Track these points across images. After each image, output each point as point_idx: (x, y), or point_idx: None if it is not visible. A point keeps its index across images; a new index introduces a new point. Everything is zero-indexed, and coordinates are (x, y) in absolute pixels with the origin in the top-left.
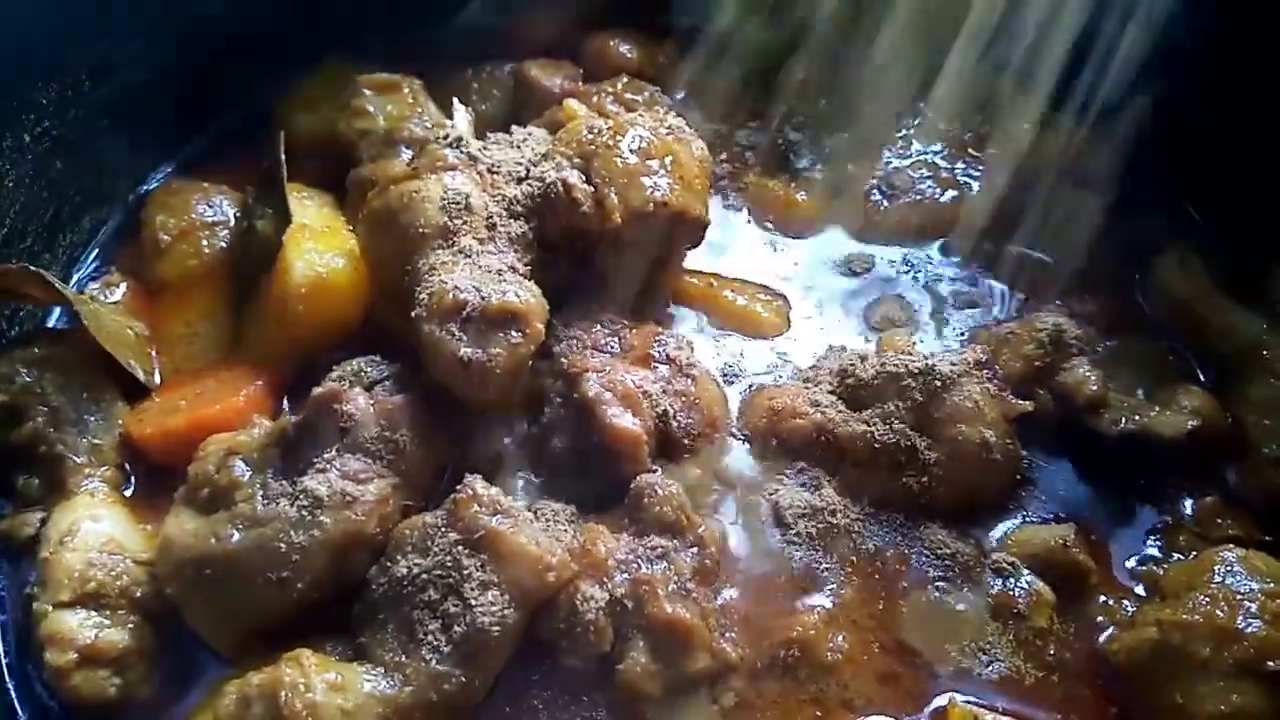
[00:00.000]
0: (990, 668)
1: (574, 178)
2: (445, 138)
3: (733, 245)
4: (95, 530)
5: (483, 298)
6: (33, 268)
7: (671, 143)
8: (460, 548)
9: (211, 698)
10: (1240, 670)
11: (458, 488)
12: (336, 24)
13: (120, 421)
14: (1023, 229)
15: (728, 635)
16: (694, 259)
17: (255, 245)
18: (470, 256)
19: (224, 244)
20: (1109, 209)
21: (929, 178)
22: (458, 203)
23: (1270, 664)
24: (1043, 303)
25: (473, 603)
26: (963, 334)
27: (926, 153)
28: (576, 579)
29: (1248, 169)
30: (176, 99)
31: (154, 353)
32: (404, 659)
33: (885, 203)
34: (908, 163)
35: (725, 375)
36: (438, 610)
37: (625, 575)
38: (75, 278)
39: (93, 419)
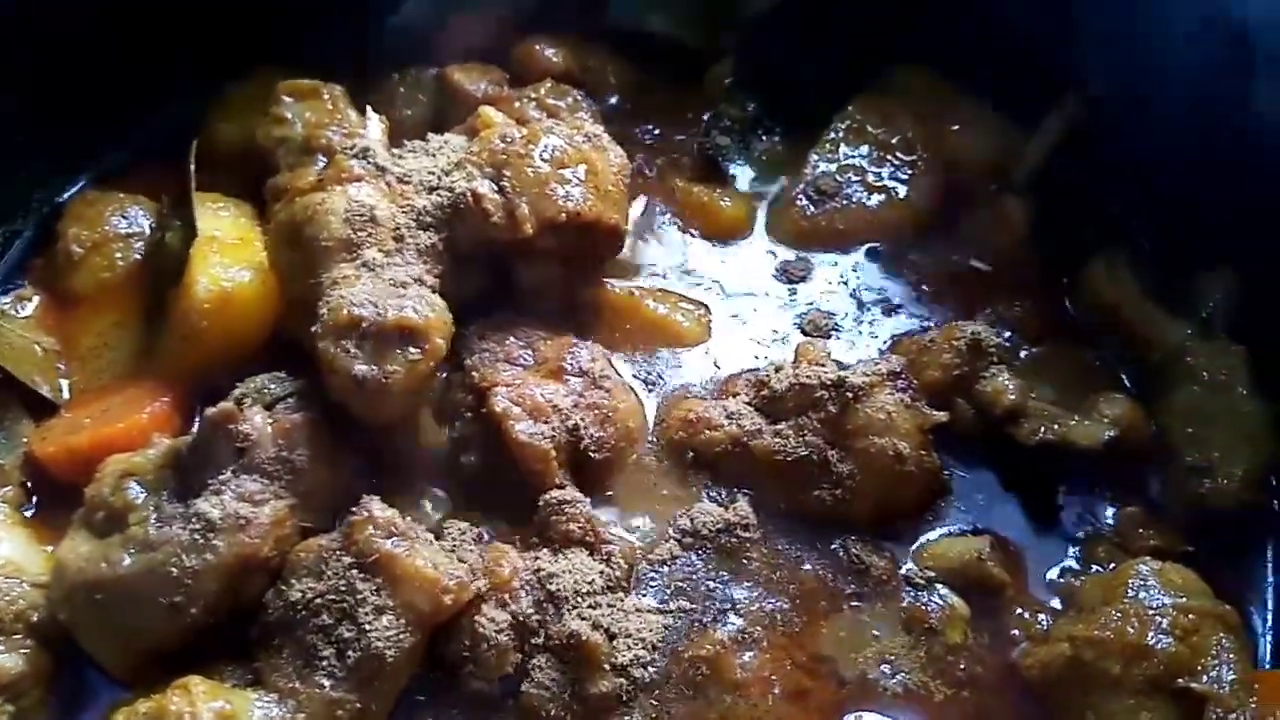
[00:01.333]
0: (902, 685)
1: (484, 188)
2: (352, 147)
3: (656, 253)
4: None
5: (379, 313)
6: None
7: (587, 151)
8: (355, 571)
9: None
10: (1151, 687)
11: (352, 509)
12: (265, 30)
13: (24, 440)
14: (951, 234)
15: (635, 654)
16: (615, 268)
17: (165, 258)
18: (374, 269)
19: (138, 256)
20: (1038, 214)
21: (856, 182)
22: (362, 214)
23: (1180, 681)
24: (970, 310)
25: (367, 627)
26: (886, 342)
27: (854, 156)
28: (479, 600)
29: (1178, 175)
30: (94, 108)
31: (64, 368)
32: (298, 685)
33: (812, 208)
34: (834, 167)
35: (645, 386)
36: (332, 635)
37: (530, 594)
38: None
39: None
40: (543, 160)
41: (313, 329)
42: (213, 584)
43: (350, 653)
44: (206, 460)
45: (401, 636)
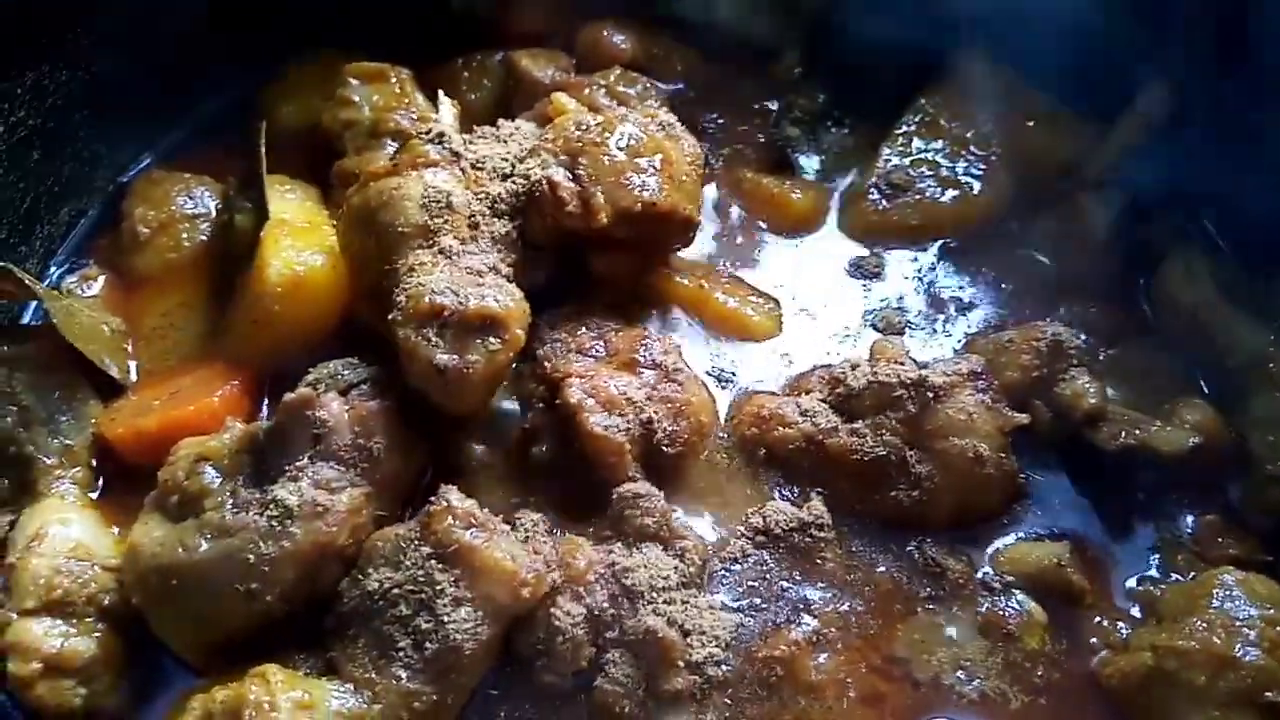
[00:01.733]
0: (979, 690)
1: (560, 176)
2: (428, 132)
3: (725, 245)
4: (64, 535)
5: (461, 302)
6: (1, 262)
7: (661, 140)
8: (433, 561)
9: (177, 711)
10: (1235, 700)
11: (431, 499)
12: (325, 11)
13: (93, 421)
14: (1025, 232)
15: (709, 652)
16: (683, 259)
17: (234, 240)
18: (451, 257)
19: (204, 237)
20: (1116, 213)
21: (929, 176)
22: (439, 201)
23: (1268, 694)
24: (1045, 309)
25: (445, 619)
26: (960, 341)
27: (927, 150)
28: (554, 593)
29: (1259, 173)
30: (159, 86)
31: (130, 349)
32: (374, 675)
33: (884, 202)
34: (908, 161)
35: (715, 380)
36: (409, 626)
37: (605, 589)
38: (52, 271)
39: (64, 418)
40: (618, 149)
41: (391, 316)
42: (289, 572)
43: (428, 644)
44: (283, 446)
45: (479, 629)
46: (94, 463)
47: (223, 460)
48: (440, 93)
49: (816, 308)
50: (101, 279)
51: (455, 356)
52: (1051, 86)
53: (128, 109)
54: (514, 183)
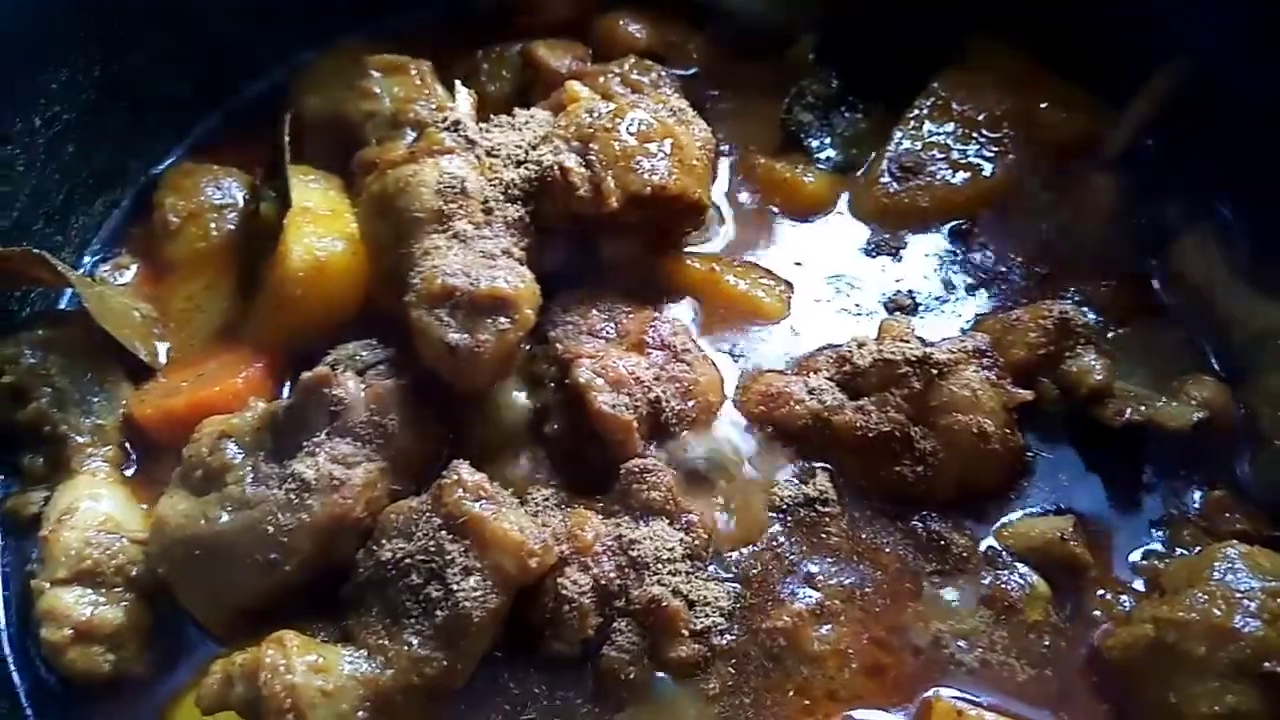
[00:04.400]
0: (981, 661)
1: (571, 161)
2: (444, 120)
3: (737, 228)
4: (94, 509)
5: (472, 283)
6: (36, 250)
7: (672, 125)
8: (443, 532)
9: (201, 676)
10: (1236, 670)
11: (442, 472)
12: (347, 4)
13: (124, 402)
14: (1037, 212)
15: (713, 621)
16: (695, 243)
17: (259, 228)
18: (465, 241)
19: (231, 226)
20: (1128, 191)
21: (941, 159)
22: (453, 187)
23: (1267, 664)
24: (1056, 288)
25: (455, 587)
26: (971, 320)
27: (939, 133)
28: (562, 564)
29: (1269, 152)
30: (189, 80)
31: (160, 333)
32: (386, 642)
33: (895, 185)
34: (919, 144)
35: (726, 360)
36: (420, 594)
37: (612, 560)
38: (86, 259)
39: (96, 399)
40: (629, 134)
41: (405, 298)
42: (307, 543)
43: (438, 612)
44: (301, 423)
45: (488, 597)
46: (125, 442)
47: (244, 437)
48: (457, 82)
49: (828, 289)
50: (134, 267)
51: (466, 335)
52: (1065, 66)
53: (160, 102)
54: (527, 168)
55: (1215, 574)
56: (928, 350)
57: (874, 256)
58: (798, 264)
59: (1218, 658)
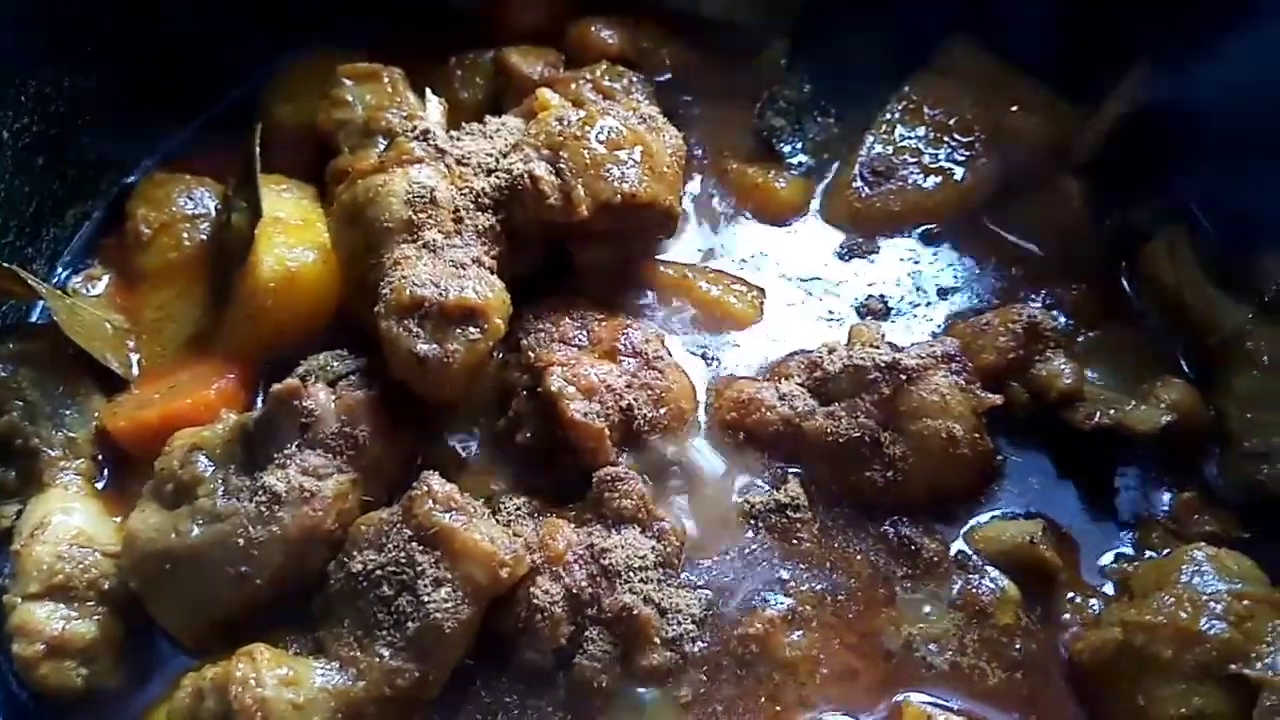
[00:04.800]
0: (952, 665)
1: (541, 170)
2: (414, 129)
3: (710, 235)
4: (66, 523)
5: (441, 293)
6: (7, 265)
7: (642, 133)
8: (414, 544)
9: (174, 689)
10: (1203, 673)
11: (413, 484)
12: (325, 11)
13: (96, 414)
14: (1008, 216)
15: (685, 629)
16: (668, 249)
17: (230, 238)
18: (434, 250)
19: (204, 237)
20: (1097, 195)
21: (913, 163)
22: (422, 196)
23: (1233, 666)
24: (1028, 292)
25: (426, 599)
26: (942, 325)
27: (910, 137)
28: (534, 573)
29: (1240, 154)
30: (160, 90)
31: (133, 345)
32: (358, 653)
33: (867, 190)
34: (891, 148)
35: (699, 366)
36: (392, 606)
37: (584, 569)
38: (59, 271)
39: (68, 412)
40: (598, 142)
41: (375, 308)
42: (278, 555)
43: (409, 623)
44: (272, 435)
45: (459, 608)
46: (98, 455)
47: (215, 449)
48: (428, 90)
49: (800, 295)
50: (106, 278)
51: (435, 346)
52: (1035, 71)
53: (131, 113)
54: (498, 177)
55: (1183, 577)
56: (897, 356)
57: (846, 261)
58: (770, 269)
59: (1185, 660)
